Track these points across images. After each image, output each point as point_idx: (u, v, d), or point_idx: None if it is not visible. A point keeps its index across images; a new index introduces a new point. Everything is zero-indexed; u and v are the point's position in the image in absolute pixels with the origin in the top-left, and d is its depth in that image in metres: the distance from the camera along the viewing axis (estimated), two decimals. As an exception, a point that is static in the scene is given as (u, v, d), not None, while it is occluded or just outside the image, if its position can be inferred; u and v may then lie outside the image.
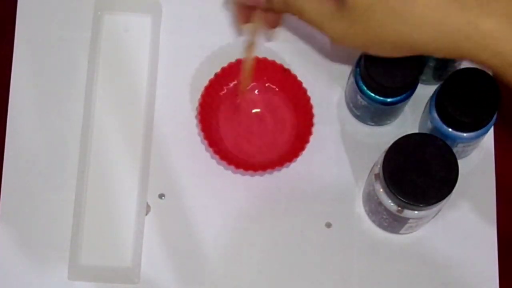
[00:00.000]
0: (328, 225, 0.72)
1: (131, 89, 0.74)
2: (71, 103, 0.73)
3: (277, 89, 0.73)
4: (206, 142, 0.70)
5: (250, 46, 0.67)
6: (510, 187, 0.73)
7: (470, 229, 0.72)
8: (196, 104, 0.72)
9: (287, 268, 0.71)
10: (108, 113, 0.73)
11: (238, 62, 0.71)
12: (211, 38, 0.75)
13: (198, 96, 0.71)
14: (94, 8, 0.75)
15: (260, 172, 0.70)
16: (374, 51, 0.57)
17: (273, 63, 0.71)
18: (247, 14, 0.64)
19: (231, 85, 0.72)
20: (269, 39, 0.72)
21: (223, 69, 0.71)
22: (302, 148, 0.69)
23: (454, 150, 0.63)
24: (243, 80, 0.69)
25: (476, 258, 0.71)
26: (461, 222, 0.72)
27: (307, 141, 0.69)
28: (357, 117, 0.73)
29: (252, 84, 0.72)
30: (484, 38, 0.51)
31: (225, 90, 0.72)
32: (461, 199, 0.72)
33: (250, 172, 0.70)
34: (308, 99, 0.70)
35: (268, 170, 0.70)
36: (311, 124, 0.69)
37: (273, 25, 0.65)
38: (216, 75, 0.71)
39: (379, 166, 0.64)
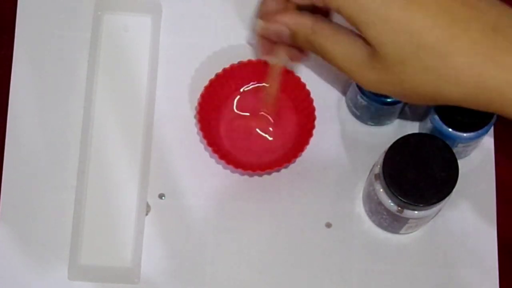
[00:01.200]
0: (328, 225, 0.72)
1: (131, 89, 0.74)
2: (71, 103, 0.73)
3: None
4: (205, 141, 0.70)
5: (273, 75, 0.67)
6: (510, 187, 0.73)
7: (470, 229, 0.72)
8: (196, 104, 0.72)
9: (287, 268, 0.71)
10: (108, 113, 0.73)
11: (240, 64, 0.71)
12: (211, 38, 0.75)
13: (198, 96, 0.71)
14: (94, 8, 0.75)
15: (259, 172, 0.70)
16: (405, 100, 0.57)
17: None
18: (270, 47, 0.64)
19: (232, 85, 0.72)
20: (292, 68, 0.71)
21: (224, 70, 0.71)
22: (301, 149, 0.69)
23: (454, 150, 0.63)
24: (268, 105, 0.69)
25: (476, 258, 0.71)
26: (461, 222, 0.72)
27: (307, 143, 0.69)
28: (357, 117, 0.73)
29: (255, 85, 0.72)
30: None
31: (226, 91, 0.72)
32: (461, 199, 0.72)
33: (250, 172, 0.70)
34: (311, 101, 0.70)
35: (268, 171, 0.70)
36: (312, 127, 0.69)
37: (297, 59, 0.64)
38: (217, 75, 0.71)
39: (379, 166, 0.64)
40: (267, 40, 0.63)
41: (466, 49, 0.50)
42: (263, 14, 0.61)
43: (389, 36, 0.52)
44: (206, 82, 0.71)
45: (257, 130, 0.72)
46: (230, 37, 0.75)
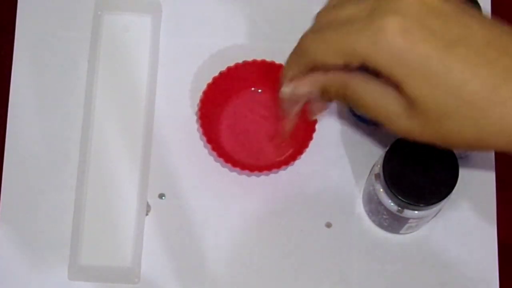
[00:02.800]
0: (328, 225, 0.72)
1: (131, 89, 0.74)
2: (71, 103, 0.73)
3: None
4: (207, 143, 0.70)
5: (290, 123, 0.66)
6: (510, 187, 0.73)
7: (470, 229, 0.72)
8: (197, 104, 0.72)
9: (287, 268, 0.71)
10: (108, 113, 0.73)
11: (244, 63, 0.71)
12: (211, 38, 0.75)
13: (198, 96, 0.71)
14: (94, 8, 0.75)
15: (259, 172, 0.70)
16: (446, 147, 0.55)
17: (279, 66, 0.71)
18: (294, 106, 0.62)
19: (234, 85, 0.72)
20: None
21: (226, 69, 0.71)
22: (301, 152, 0.69)
23: (454, 150, 0.63)
24: (283, 135, 0.69)
25: (476, 258, 0.71)
26: (461, 222, 0.72)
27: (306, 146, 0.69)
28: (357, 117, 0.73)
29: (257, 85, 0.73)
30: None
31: (228, 90, 0.72)
32: (461, 199, 0.72)
33: (250, 172, 0.70)
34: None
35: (268, 171, 0.70)
36: (312, 130, 0.69)
37: (320, 111, 0.63)
38: (219, 75, 0.71)
39: (379, 166, 0.64)
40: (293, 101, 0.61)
41: (508, 100, 0.49)
42: (290, 78, 0.58)
43: (429, 89, 0.50)
44: (207, 82, 0.71)
45: (258, 130, 0.72)
46: (231, 37, 0.75)
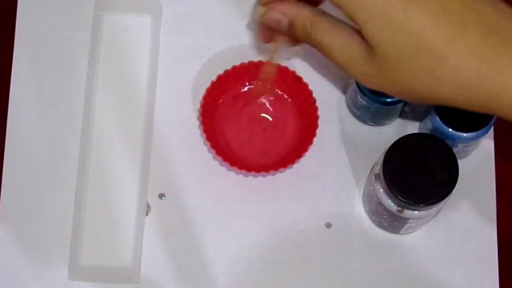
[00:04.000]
0: (328, 225, 0.72)
1: (131, 89, 0.74)
2: (71, 103, 0.73)
3: (285, 95, 0.72)
4: (208, 143, 0.70)
5: (270, 63, 0.67)
6: (510, 187, 0.73)
7: (470, 229, 0.72)
8: (197, 104, 0.72)
9: (287, 268, 0.71)
10: (108, 113, 0.73)
11: (243, 65, 0.71)
12: (211, 38, 0.75)
13: (198, 95, 0.71)
14: (94, 8, 0.75)
15: (261, 173, 0.70)
16: (400, 97, 0.57)
17: (285, 69, 0.71)
18: (269, 35, 0.64)
19: (236, 86, 0.72)
20: (290, 57, 0.72)
21: (227, 70, 0.71)
22: (303, 152, 0.69)
23: (454, 150, 0.63)
24: (258, 87, 0.70)
25: (476, 258, 0.71)
26: (461, 222, 0.72)
27: (306, 149, 0.69)
28: (357, 117, 0.73)
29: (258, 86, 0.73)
30: None
31: (229, 91, 0.72)
32: (461, 199, 0.72)
33: (251, 173, 0.70)
34: (315, 109, 0.70)
35: (269, 172, 0.70)
36: (313, 135, 0.69)
37: (296, 42, 0.64)
38: (220, 75, 0.71)
39: (379, 166, 0.64)
40: (266, 28, 0.63)
41: (463, 52, 0.51)
42: (264, 1, 0.62)
43: (388, 34, 0.52)
44: (209, 83, 0.71)
45: (259, 130, 0.72)
46: (231, 37, 0.75)
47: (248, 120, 0.73)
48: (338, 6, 0.54)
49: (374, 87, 0.57)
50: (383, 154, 0.63)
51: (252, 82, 0.72)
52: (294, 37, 0.61)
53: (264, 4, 0.61)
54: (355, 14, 0.53)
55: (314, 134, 0.69)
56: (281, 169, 0.69)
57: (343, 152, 0.73)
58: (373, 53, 0.54)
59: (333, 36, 0.57)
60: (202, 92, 0.71)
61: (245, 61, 0.71)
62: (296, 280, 0.71)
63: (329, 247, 0.71)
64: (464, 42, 0.51)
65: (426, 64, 0.52)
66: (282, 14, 0.60)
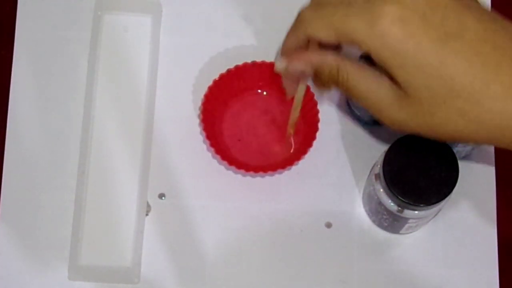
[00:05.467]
0: (328, 225, 0.72)
1: (131, 89, 0.74)
2: (71, 103, 0.73)
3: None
4: (207, 141, 0.70)
5: (296, 106, 0.67)
6: (510, 187, 0.73)
7: (470, 229, 0.72)
8: (198, 104, 0.72)
9: (287, 268, 0.71)
10: (108, 113, 0.73)
11: (246, 65, 0.71)
12: (211, 38, 0.75)
13: (198, 95, 0.71)
14: (94, 8, 0.75)
15: (261, 174, 0.70)
16: (433, 138, 0.56)
17: None
18: (293, 85, 0.64)
19: (237, 86, 0.72)
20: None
21: (230, 70, 0.71)
22: (301, 156, 0.69)
23: (454, 150, 0.63)
24: (291, 129, 0.70)
25: (476, 258, 0.71)
26: (461, 222, 0.72)
27: (306, 152, 0.69)
28: (357, 117, 0.73)
29: (259, 86, 0.73)
30: None
31: (231, 91, 0.72)
32: (461, 199, 0.72)
33: (251, 173, 0.70)
34: (316, 112, 0.70)
35: (269, 172, 0.70)
36: (313, 138, 0.69)
37: (320, 94, 0.63)
38: (222, 76, 0.71)
39: (379, 166, 0.64)
40: (290, 78, 0.62)
41: (498, 94, 0.50)
42: (285, 52, 0.59)
43: (422, 80, 0.51)
44: (209, 82, 0.71)
45: (260, 131, 0.72)
46: (231, 37, 0.75)
47: (249, 120, 0.72)
48: (368, 52, 0.52)
49: (405, 130, 0.55)
50: (383, 154, 0.63)
51: (254, 82, 0.72)
52: (319, 84, 0.59)
53: (285, 55, 0.59)
54: (387, 61, 0.52)
55: (314, 137, 0.69)
56: (280, 170, 0.69)
57: (343, 152, 0.73)
58: (405, 98, 0.53)
59: (361, 80, 0.55)
60: (202, 92, 0.71)
61: (247, 60, 0.71)
62: (296, 280, 0.71)
63: (329, 247, 0.71)
64: (499, 84, 0.50)
65: (461, 107, 0.51)
66: (306, 63, 0.57)
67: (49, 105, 0.73)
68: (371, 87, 0.54)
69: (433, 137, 0.55)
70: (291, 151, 0.71)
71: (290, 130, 0.70)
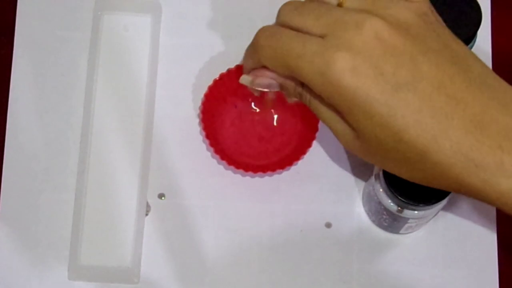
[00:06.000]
0: (328, 225, 0.72)
1: (131, 89, 0.74)
2: (71, 103, 0.73)
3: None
4: (207, 141, 0.70)
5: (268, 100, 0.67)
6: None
7: (470, 229, 0.72)
8: (198, 104, 0.72)
9: (287, 268, 0.71)
10: (108, 113, 0.73)
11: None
12: (211, 38, 0.75)
13: (198, 95, 0.71)
14: (94, 8, 0.75)
15: (260, 173, 0.70)
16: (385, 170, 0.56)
17: None
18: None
19: (236, 86, 0.72)
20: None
21: (230, 70, 0.71)
22: (300, 157, 0.69)
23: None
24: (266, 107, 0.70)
25: (476, 258, 0.71)
26: (461, 222, 0.72)
27: (305, 152, 0.69)
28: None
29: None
30: (502, 197, 0.50)
31: (231, 92, 0.72)
32: (461, 199, 0.72)
33: (250, 173, 0.70)
34: None
35: (269, 173, 0.70)
36: (313, 138, 0.69)
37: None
38: (223, 74, 0.71)
39: (378, 166, 0.64)
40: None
41: (447, 150, 0.49)
42: (247, 71, 0.58)
43: (370, 128, 0.51)
44: (209, 82, 0.71)
45: (260, 132, 0.72)
46: (231, 37, 0.75)
47: (249, 120, 0.72)
48: (320, 94, 0.52)
49: (359, 156, 0.55)
50: (383, 154, 0.63)
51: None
52: (287, 95, 0.59)
53: (248, 73, 0.58)
54: (339, 106, 0.51)
55: (313, 137, 0.69)
56: (279, 170, 0.69)
57: (343, 152, 0.73)
58: (357, 137, 0.53)
59: (320, 108, 0.54)
60: (202, 92, 0.71)
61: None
62: (296, 280, 0.71)
63: (329, 247, 0.71)
64: (448, 139, 0.49)
65: (408, 157, 0.51)
66: (271, 78, 0.56)
67: (49, 105, 0.73)
68: (330, 116, 0.54)
69: (387, 170, 0.55)
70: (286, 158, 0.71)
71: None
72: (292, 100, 0.60)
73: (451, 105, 0.49)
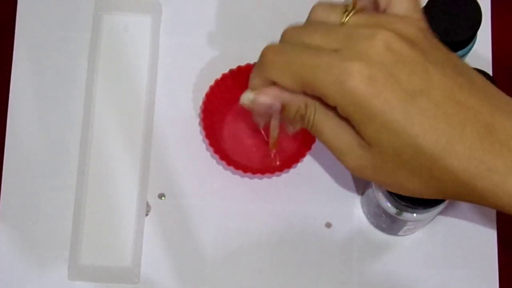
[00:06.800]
0: (328, 225, 0.72)
1: (131, 89, 0.74)
2: (71, 103, 0.73)
3: None
4: (207, 141, 0.70)
5: (272, 132, 0.66)
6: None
7: (470, 229, 0.72)
8: (198, 104, 0.72)
9: (287, 268, 0.71)
10: (108, 113, 0.73)
11: (249, 66, 0.70)
12: (211, 38, 0.75)
13: (198, 95, 0.71)
14: (94, 8, 0.75)
15: (256, 175, 0.70)
16: (390, 190, 0.56)
17: None
18: (263, 120, 0.60)
19: (238, 87, 0.72)
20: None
21: (232, 70, 0.71)
22: (299, 159, 0.69)
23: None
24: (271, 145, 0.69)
25: (476, 258, 0.71)
26: (461, 222, 0.72)
27: (304, 155, 0.69)
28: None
29: None
30: None
31: (232, 92, 0.72)
32: (461, 200, 0.72)
33: (250, 174, 0.70)
34: None
35: (268, 174, 0.69)
36: (313, 141, 0.69)
37: (292, 132, 0.61)
38: (225, 74, 0.71)
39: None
40: (258, 114, 0.59)
41: (461, 154, 0.50)
42: (253, 86, 0.56)
43: (387, 136, 0.51)
44: (210, 83, 0.71)
45: (260, 134, 0.72)
46: (231, 37, 0.75)
47: (249, 122, 0.72)
48: (334, 105, 0.51)
49: (362, 177, 0.55)
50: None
51: None
52: (286, 119, 0.58)
53: (254, 90, 0.56)
54: (354, 116, 0.51)
55: (313, 140, 0.69)
56: (277, 173, 0.69)
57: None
58: (368, 149, 0.52)
59: (326, 121, 0.54)
60: (202, 92, 0.71)
61: (249, 62, 0.71)
62: (296, 280, 0.71)
63: (329, 247, 0.71)
64: (462, 144, 0.50)
65: (424, 164, 0.51)
66: (274, 97, 0.55)
67: (49, 105, 0.73)
68: (336, 129, 0.54)
69: (391, 189, 0.55)
70: (277, 163, 0.71)
71: (272, 148, 0.69)
72: (291, 129, 0.59)
73: (463, 112, 0.50)
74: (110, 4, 0.75)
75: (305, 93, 0.53)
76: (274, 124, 0.62)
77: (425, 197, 0.54)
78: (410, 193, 0.54)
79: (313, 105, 0.54)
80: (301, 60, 0.52)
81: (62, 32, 0.75)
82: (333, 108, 0.52)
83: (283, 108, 0.55)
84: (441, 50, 0.53)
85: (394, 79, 0.50)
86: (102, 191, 0.72)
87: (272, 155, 0.71)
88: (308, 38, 0.53)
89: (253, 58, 0.71)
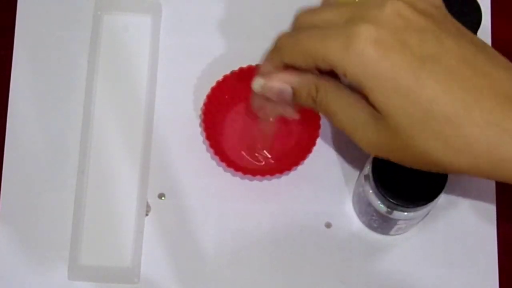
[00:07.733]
0: (328, 225, 0.72)
1: (131, 89, 0.74)
2: (71, 103, 0.73)
3: None
4: (207, 142, 0.70)
5: (266, 129, 0.65)
6: (510, 187, 0.73)
7: (470, 229, 0.72)
8: (198, 104, 0.72)
9: (287, 268, 0.71)
10: (108, 113, 0.73)
11: (251, 68, 0.70)
12: (211, 38, 0.75)
13: (198, 95, 0.72)
14: (94, 8, 0.75)
15: (255, 176, 0.70)
16: (407, 165, 0.53)
17: None
18: (263, 103, 0.59)
19: (239, 88, 0.72)
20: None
21: (233, 72, 0.71)
22: (299, 162, 0.69)
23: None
24: (265, 142, 0.69)
25: (476, 258, 0.71)
26: (461, 222, 0.72)
27: (304, 158, 0.69)
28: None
29: None
30: None
31: (233, 94, 0.72)
32: (461, 199, 0.72)
33: (243, 174, 0.70)
34: (318, 118, 0.69)
35: (268, 176, 0.69)
36: (313, 144, 0.69)
37: (291, 117, 0.60)
38: (227, 76, 0.71)
39: (368, 167, 0.63)
40: (263, 99, 0.59)
41: (479, 120, 0.48)
42: (263, 72, 0.57)
43: (398, 102, 0.49)
44: (212, 84, 0.71)
45: (261, 134, 0.72)
46: (231, 38, 0.75)
47: (250, 123, 0.72)
48: (344, 74, 0.51)
49: (379, 154, 0.54)
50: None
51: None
52: (297, 105, 0.57)
53: (264, 75, 0.56)
54: (364, 82, 0.50)
55: (314, 143, 0.69)
56: (277, 175, 0.69)
57: (344, 152, 0.73)
58: (381, 120, 0.51)
59: (338, 99, 0.53)
60: (203, 93, 0.71)
61: (251, 63, 0.71)
62: (295, 280, 0.71)
63: (329, 247, 0.71)
64: (479, 110, 0.48)
65: (439, 131, 0.49)
66: (284, 81, 0.55)
67: (49, 105, 0.73)
68: (347, 108, 0.53)
69: (408, 165, 0.53)
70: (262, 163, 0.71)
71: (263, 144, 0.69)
72: (295, 115, 0.59)
73: (479, 77, 0.49)
74: (110, 4, 0.75)
75: (317, 71, 0.53)
76: (267, 124, 0.62)
77: (441, 171, 0.52)
78: (423, 166, 0.52)
79: (324, 86, 0.53)
80: (311, 35, 0.52)
81: (62, 32, 0.75)
82: (344, 88, 0.52)
83: (294, 93, 0.55)
84: (455, 24, 0.51)
85: (403, 44, 0.49)
86: (102, 191, 0.72)
87: (262, 156, 0.71)
88: (319, 17, 0.53)
89: (254, 59, 0.71)
